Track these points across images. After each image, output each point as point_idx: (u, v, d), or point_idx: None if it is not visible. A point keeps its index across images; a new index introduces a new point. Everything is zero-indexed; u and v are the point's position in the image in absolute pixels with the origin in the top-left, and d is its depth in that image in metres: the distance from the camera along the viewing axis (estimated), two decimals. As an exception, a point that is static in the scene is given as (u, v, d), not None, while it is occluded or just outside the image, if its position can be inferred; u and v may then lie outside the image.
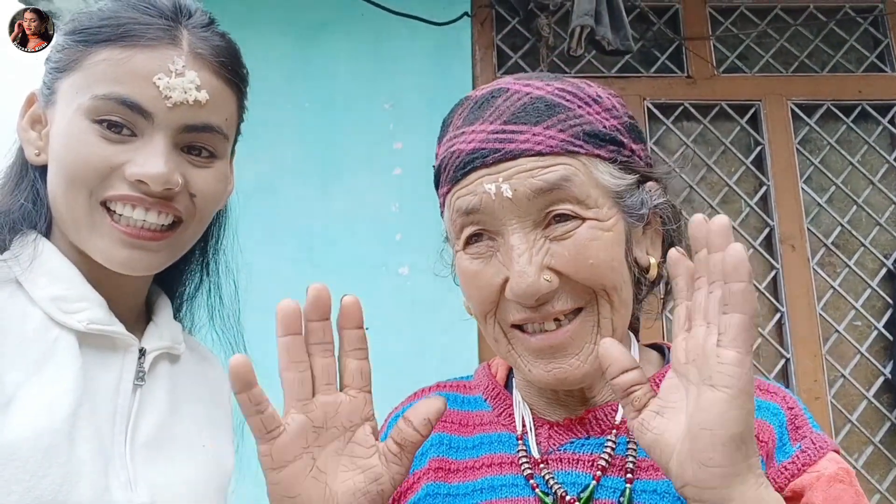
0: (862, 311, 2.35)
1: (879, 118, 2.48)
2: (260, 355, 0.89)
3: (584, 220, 0.66)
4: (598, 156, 0.68)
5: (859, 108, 2.48)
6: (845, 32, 2.57)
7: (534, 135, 0.67)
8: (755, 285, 2.31)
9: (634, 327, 0.79)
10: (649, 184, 0.72)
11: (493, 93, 0.71)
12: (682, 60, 2.51)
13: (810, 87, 2.49)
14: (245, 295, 0.93)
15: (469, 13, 2.40)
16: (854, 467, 2.21)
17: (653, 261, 0.71)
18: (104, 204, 0.70)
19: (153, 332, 0.78)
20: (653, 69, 2.51)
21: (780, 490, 0.66)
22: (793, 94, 2.48)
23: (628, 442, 0.71)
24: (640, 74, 2.49)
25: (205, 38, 0.72)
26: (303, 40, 2.41)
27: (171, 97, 0.69)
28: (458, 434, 0.79)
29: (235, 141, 0.82)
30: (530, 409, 0.77)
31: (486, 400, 0.81)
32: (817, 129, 2.48)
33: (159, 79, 0.68)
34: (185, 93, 0.69)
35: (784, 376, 2.30)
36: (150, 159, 0.68)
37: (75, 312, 0.70)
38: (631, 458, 0.70)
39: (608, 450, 0.71)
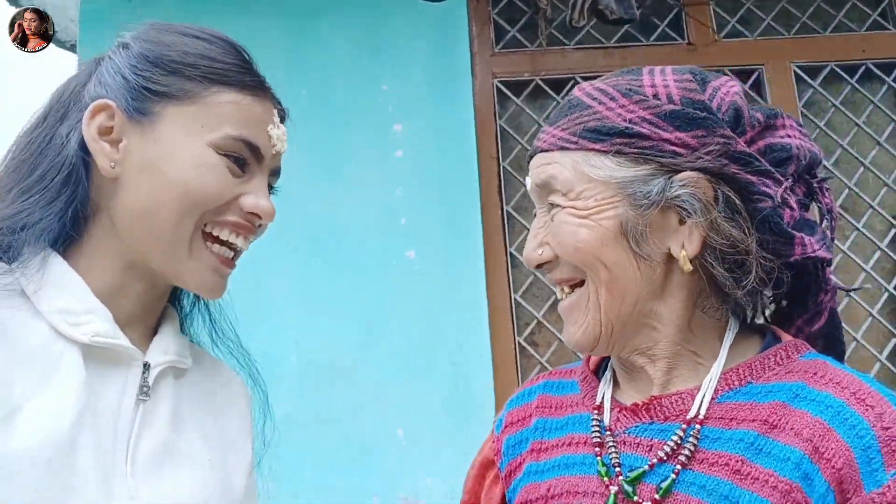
0: (872, 273, 2.34)
1: (884, 77, 2.45)
2: (269, 347, 0.89)
3: (563, 207, 0.76)
4: (592, 150, 0.75)
5: (863, 67, 2.45)
6: (847, -9, 2.53)
7: (547, 134, 0.80)
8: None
9: (742, 313, 0.79)
10: (683, 174, 0.72)
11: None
12: (682, 27, 2.47)
13: (813, 49, 2.45)
14: (251, 287, 0.95)
15: (464, -11, 2.34)
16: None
17: (683, 253, 0.72)
18: (200, 230, 0.76)
19: (158, 347, 0.78)
20: (653, 37, 2.46)
21: None
22: (795, 57, 2.44)
23: (693, 433, 0.71)
24: (639, 43, 2.45)
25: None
26: (297, 24, 2.36)
27: (275, 146, 0.81)
28: (552, 416, 0.86)
29: None
30: (612, 390, 0.82)
31: (578, 384, 0.87)
32: (821, 91, 2.45)
33: (270, 128, 0.80)
34: (283, 144, 0.82)
35: (796, 342, 2.29)
36: (261, 194, 0.78)
37: (81, 325, 0.70)
38: (688, 449, 0.70)
39: (675, 437, 0.72)
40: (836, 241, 2.30)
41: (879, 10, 2.51)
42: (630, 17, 1.89)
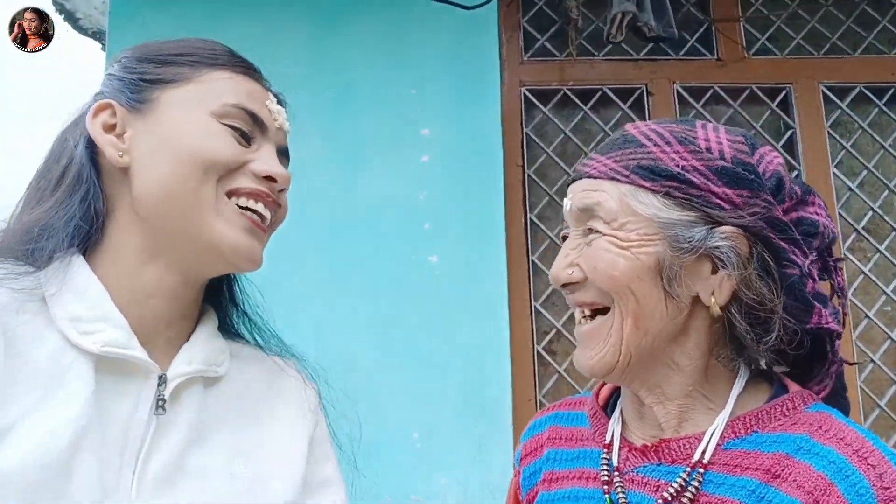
0: (892, 296, 2.34)
1: (912, 101, 2.45)
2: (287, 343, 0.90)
3: (603, 235, 0.78)
4: (642, 186, 0.77)
5: (892, 90, 2.45)
6: (877, 13, 2.53)
7: (597, 162, 0.81)
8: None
9: (755, 363, 0.81)
10: (724, 227, 0.75)
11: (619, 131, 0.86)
12: (711, 43, 2.47)
13: (842, 70, 2.46)
14: (273, 286, 0.91)
15: (497, -4, 2.35)
16: (884, 453, 2.22)
17: (714, 300, 0.75)
18: (229, 196, 0.75)
19: (182, 357, 0.76)
20: (682, 52, 2.47)
21: None
22: (824, 77, 2.44)
23: (697, 476, 0.74)
24: (668, 57, 2.45)
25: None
26: (324, 25, 2.37)
27: (277, 120, 0.80)
28: (563, 448, 0.89)
29: None
30: (621, 428, 0.83)
31: (587, 418, 0.89)
32: (849, 112, 2.45)
33: (269, 103, 0.80)
34: (284, 121, 0.82)
35: (814, 362, 2.29)
36: (272, 161, 0.78)
37: (91, 333, 0.68)
38: (691, 492, 0.73)
39: (680, 480, 0.74)
40: (857, 263, 2.31)
41: (910, 33, 2.51)
42: (669, 35, 1.89)
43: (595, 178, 0.80)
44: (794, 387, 0.79)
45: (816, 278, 0.77)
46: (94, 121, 0.75)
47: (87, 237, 0.73)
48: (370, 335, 2.13)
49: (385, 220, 2.23)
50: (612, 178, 0.78)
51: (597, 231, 0.78)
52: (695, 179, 0.75)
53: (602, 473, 0.81)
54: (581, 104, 2.43)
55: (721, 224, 0.75)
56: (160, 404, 0.71)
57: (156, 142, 0.73)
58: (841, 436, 0.71)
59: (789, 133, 2.43)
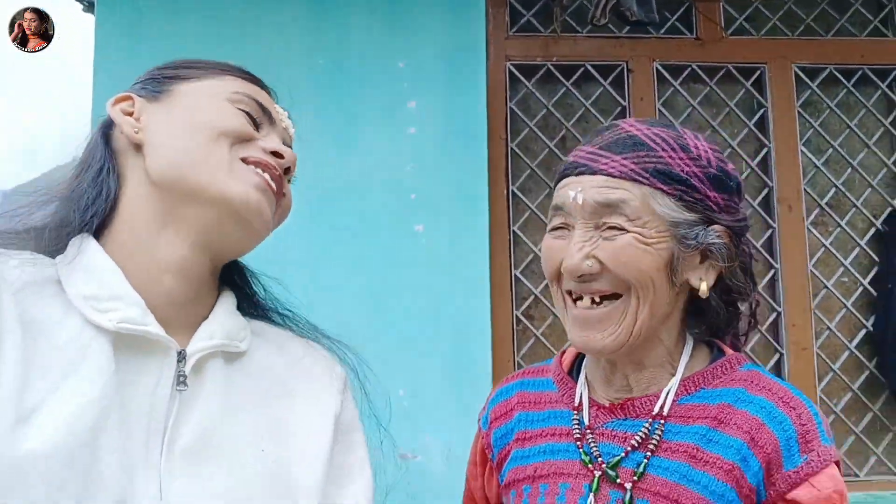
0: (850, 268, 2.49)
1: (878, 83, 2.57)
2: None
3: (628, 231, 0.86)
4: (660, 189, 0.86)
5: (860, 72, 2.56)
6: (851, -5, 2.62)
7: (613, 161, 0.87)
8: (752, 242, 2.43)
9: (715, 335, 0.97)
10: (716, 226, 0.88)
11: (609, 127, 0.92)
12: (691, 22, 2.56)
13: (815, 51, 2.56)
14: (261, 254, 0.91)
15: (484, -26, 2.40)
16: (833, 411, 2.40)
17: (703, 286, 0.89)
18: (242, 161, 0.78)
19: (203, 332, 0.76)
20: (662, 30, 2.55)
21: (780, 496, 0.82)
22: (797, 58, 2.54)
23: (658, 427, 0.88)
24: (649, 36, 2.53)
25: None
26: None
27: (283, 121, 0.85)
28: (533, 410, 1.01)
29: None
30: (588, 390, 0.96)
31: (554, 383, 1.01)
32: (819, 92, 2.56)
33: (277, 107, 0.86)
34: (290, 125, 0.86)
35: (775, 328, 2.46)
36: (279, 142, 0.81)
37: (107, 311, 0.68)
38: (655, 440, 0.87)
39: (643, 431, 0.89)
40: (819, 237, 2.45)
41: (880, 17, 2.61)
42: (650, 20, 1.98)
43: (616, 177, 0.86)
44: (728, 351, 0.94)
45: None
46: (115, 107, 0.80)
47: (101, 219, 0.75)
48: (359, 301, 2.24)
49: (373, 190, 2.32)
50: (634, 180, 0.85)
51: (619, 227, 0.85)
52: (697, 185, 0.86)
53: (574, 430, 0.93)
54: (563, 80, 2.51)
55: (714, 223, 0.88)
56: (181, 380, 0.71)
57: (171, 119, 0.77)
58: (769, 387, 0.87)
59: (762, 111, 2.54)
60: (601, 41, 2.52)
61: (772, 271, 2.47)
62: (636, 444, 0.88)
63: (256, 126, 0.80)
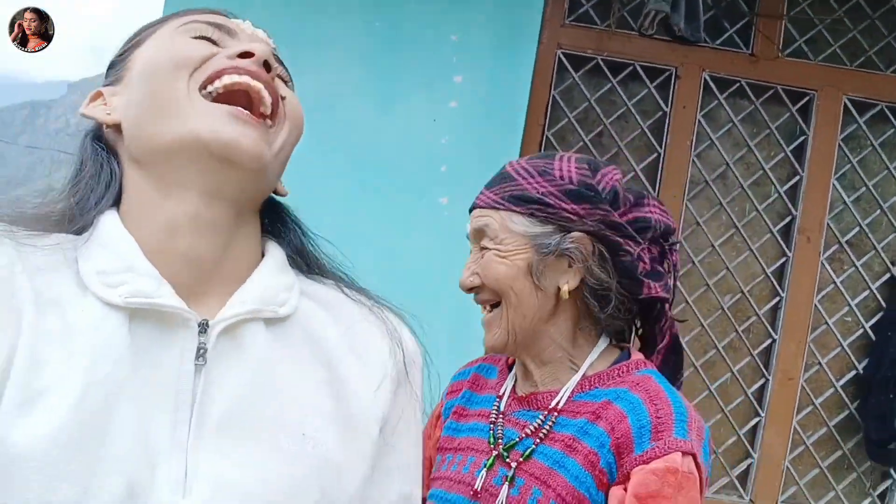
0: (855, 309, 2.53)
1: (927, 129, 2.53)
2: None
3: (490, 249, 1.05)
4: (514, 210, 1.04)
5: (911, 115, 2.52)
6: (921, 33, 2.55)
7: (483, 195, 1.09)
8: (763, 267, 2.48)
9: (618, 332, 1.11)
10: (573, 234, 1.02)
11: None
12: (748, 37, 2.52)
13: (869, 85, 2.51)
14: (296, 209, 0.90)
15: (548, -38, 2.39)
16: (804, 443, 2.50)
17: (564, 287, 1.03)
18: (202, 91, 0.68)
19: (235, 298, 0.68)
20: (718, 41, 2.53)
21: (625, 476, 0.93)
22: (849, 90, 2.50)
23: (551, 419, 1.04)
24: (704, 45, 2.51)
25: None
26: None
27: (245, 30, 0.75)
28: (476, 392, 1.19)
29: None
30: (514, 383, 1.14)
31: (497, 372, 1.20)
32: (864, 128, 2.53)
33: (225, 17, 0.76)
34: (254, 29, 0.76)
35: (767, 354, 2.53)
36: (243, 46, 0.70)
37: (116, 286, 0.63)
38: (545, 430, 1.03)
39: (538, 421, 1.05)
40: (832, 273, 2.48)
41: (946, 61, 2.54)
42: (695, 39, 1.98)
43: (483, 207, 1.07)
44: (636, 356, 1.07)
45: (648, 261, 1.05)
46: (86, 108, 0.76)
47: (114, 199, 0.71)
48: (373, 261, 2.35)
49: (405, 156, 2.39)
50: (494, 207, 1.05)
51: (487, 248, 1.05)
52: (550, 201, 1.02)
53: (491, 414, 1.11)
54: (611, 76, 2.53)
55: (571, 231, 1.02)
56: (200, 353, 0.64)
57: (131, 85, 0.72)
58: (647, 389, 0.98)
59: (802, 138, 2.53)
60: (655, 43, 2.50)
61: (776, 299, 2.52)
62: (529, 432, 1.04)
63: (217, 44, 0.72)
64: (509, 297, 1.04)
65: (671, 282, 1.08)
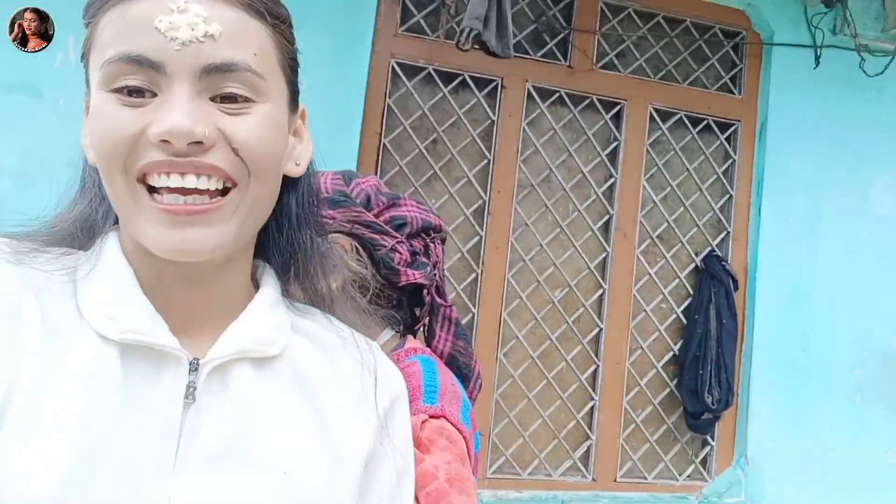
0: (668, 296, 2.80)
1: (718, 134, 2.86)
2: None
3: None
4: None
5: (705, 122, 2.84)
6: (710, 51, 2.88)
7: None
8: (586, 262, 2.69)
9: (404, 324, 1.19)
10: (332, 235, 1.08)
11: None
12: (567, 50, 2.74)
13: (669, 95, 2.81)
14: None
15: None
16: (635, 421, 2.72)
17: (334, 285, 1.07)
18: (143, 181, 0.61)
19: (225, 337, 0.66)
20: (540, 53, 2.72)
21: None
22: (654, 99, 2.79)
23: None
24: (527, 57, 2.69)
25: None
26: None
27: (176, 38, 0.59)
28: None
29: (295, 91, 0.73)
30: None
31: None
32: (667, 134, 2.82)
33: (160, 21, 0.59)
34: (193, 29, 0.59)
35: (596, 342, 2.73)
36: (169, 113, 0.58)
37: (114, 319, 0.62)
38: None
39: None
40: (646, 265, 2.73)
41: (731, 74, 2.90)
42: (505, 55, 2.13)
43: None
44: (409, 344, 1.14)
45: (405, 252, 1.13)
46: (84, 126, 0.68)
47: (113, 221, 0.68)
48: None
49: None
50: None
51: None
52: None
53: None
54: (442, 85, 2.64)
55: (330, 232, 1.09)
56: (189, 391, 0.63)
57: (89, 128, 0.65)
58: (409, 372, 1.04)
59: (615, 144, 2.77)
60: (482, 54, 2.64)
61: (600, 291, 2.74)
62: None
63: (143, 92, 0.60)
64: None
65: (435, 271, 1.18)
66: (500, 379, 2.62)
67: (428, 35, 2.64)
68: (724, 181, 2.89)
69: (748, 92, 2.88)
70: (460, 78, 2.65)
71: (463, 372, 1.21)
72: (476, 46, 2.18)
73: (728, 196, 2.88)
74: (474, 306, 2.61)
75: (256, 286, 0.73)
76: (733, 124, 2.87)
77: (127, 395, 0.60)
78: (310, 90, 2.42)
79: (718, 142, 2.87)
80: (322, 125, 2.44)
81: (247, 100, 0.62)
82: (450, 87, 2.65)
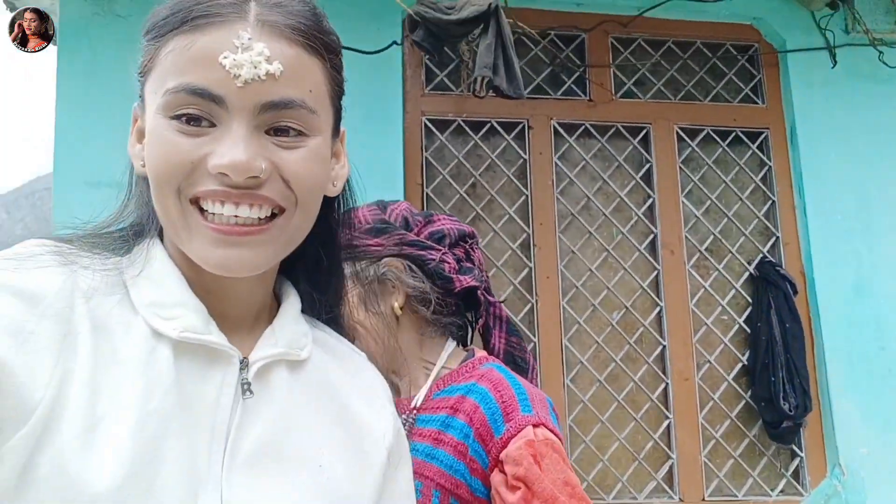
0: (727, 307, 2.77)
1: (749, 144, 2.91)
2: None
3: None
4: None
5: (733, 133, 2.90)
6: (726, 66, 2.98)
7: None
8: (638, 282, 2.71)
9: (462, 337, 1.26)
10: (383, 260, 1.18)
11: None
12: (584, 85, 2.88)
13: (693, 114, 2.89)
14: None
15: (398, 42, 2.67)
16: (714, 437, 2.64)
17: (395, 304, 1.18)
18: (196, 203, 0.64)
19: (267, 339, 0.71)
20: (559, 92, 2.86)
21: (495, 459, 1.04)
22: (678, 120, 2.87)
23: (411, 417, 1.15)
24: (547, 97, 2.84)
25: (276, 5, 0.66)
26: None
27: (239, 75, 0.62)
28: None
29: (339, 118, 0.76)
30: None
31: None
32: (697, 150, 2.89)
33: (224, 57, 0.62)
34: (255, 67, 0.62)
35: (661, 360, 2.71)
36: (230, 148, 0.62)
37: (171, 319, 0.65)
38: (408, 427, 1.13)
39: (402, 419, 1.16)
40: (699, 279, 2.73)
41: (750, 85, 2.98)
42: (517, 95, 2.28)
43: None
44: (479, 353, 1.21)
45: (451, 261, 1.20)
46: (132, 132, 0.71)
47: (160, 229, 0.71)
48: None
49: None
50: None
51: None
52: (357, 243, 1.16)
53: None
54: (472, 134, 2.79)
55: (381, 259, 1.17)
56: (245, 387, 0.67)
57: (146, 145, 0.67)
58: (491, 379, 1.11)
59: (647, 166, 2.84)
60: (505, 101, 2.79)
61: (657, 308, 2.74)
62: None
63: (200, 120, 0.63)
64: (357, 332, 1.10)
65: (481, 273, 1.25)
66: (570, 405, 2.61)
67: (453, 90, 2.81)
68: (764, 188, 2.90)
69: (771, 99, 2.94)
70: (488, 125, 2.79)
71: (521, 366, 1.27)
72: (492, 93, 2.33)
73: (770, 202, 2.89)
74: (534, 335, 2.63)
75: (275, 297, 0.78)
76: (762, 132, 2.92)
77: (180, 392, 0.63)
78: (352, 154, 2.58)
79: (750, 151, 2.92)
80: (369, 183, 2.59)
81: (300, 133, 0.65)
82: (479, 133, 2.79)
